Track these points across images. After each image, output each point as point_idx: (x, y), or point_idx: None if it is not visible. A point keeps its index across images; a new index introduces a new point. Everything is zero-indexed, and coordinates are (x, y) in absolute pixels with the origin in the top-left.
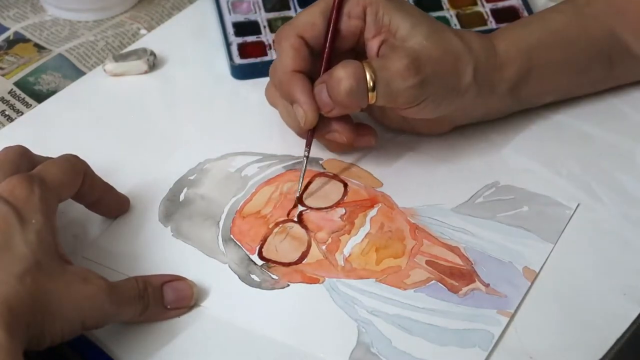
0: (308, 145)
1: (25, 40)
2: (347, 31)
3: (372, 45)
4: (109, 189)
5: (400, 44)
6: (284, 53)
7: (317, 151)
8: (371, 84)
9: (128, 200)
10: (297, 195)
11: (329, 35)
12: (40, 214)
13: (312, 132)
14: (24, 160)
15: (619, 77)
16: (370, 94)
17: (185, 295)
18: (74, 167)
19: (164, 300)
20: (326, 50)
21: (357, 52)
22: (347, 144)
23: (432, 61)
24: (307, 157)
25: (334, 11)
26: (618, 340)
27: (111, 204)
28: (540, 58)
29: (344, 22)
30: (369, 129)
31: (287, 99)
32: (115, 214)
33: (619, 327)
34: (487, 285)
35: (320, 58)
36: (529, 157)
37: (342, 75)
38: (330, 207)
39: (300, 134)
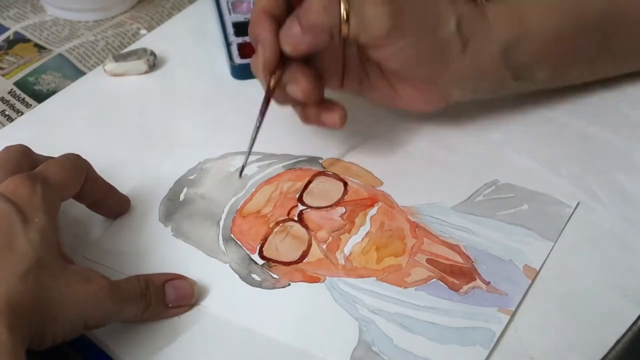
0: (262, 114)
1: (25, 40)
2: None
3: None
4: (110, 189)
5: None
6: None
7: (317, 150)
8: (345, 14)
9: (129, 201)
10: (240, 169)
11: None
12: (43, 213)
13: (266, 100)
14: (25, 160)
15: (616, 54)
16: (343, 26)
17: (187, 294)
18: (77, 166)
19: (165, 298)
20: None
21: None
22: (306, 99)
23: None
24: (259, 126)
25: None
26: (618, 340)
27: (112, 204)
28: (531, 23)
29: None
30: (337, 106)
31: (253, 39)
32: (115, 214)
33: (619, 327)
34: (487, 284)
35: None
36: (529, 157)
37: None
38: (331, 206)
39: (265, 83)
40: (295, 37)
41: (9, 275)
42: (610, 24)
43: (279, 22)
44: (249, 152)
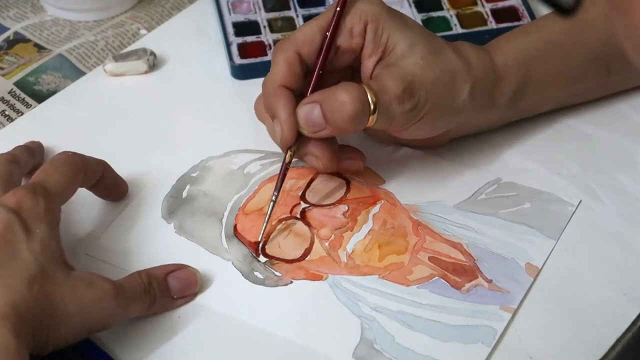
0: (277, 190)
1: (25, 40)
2: (347, 49)
3: (368, 65)
4: (106, 168)
5: (395, 63)
6: (277, 66)
7: None
8: (372, 107)
9: (126, 184)
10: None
11: (322, 55)
12: (44, 224)
13: (289, 159)
14: (14, 168)
15: (616, 84)
16: (370, 117)
17: (190, 283)
18: (74, 167)
19: (169, 290)
20: (317, 68)
21: (353, 69)
22: (324, 171)
23: (426, 82)
24: (277, 196)
25: (330, 33)
26: (618, 340)
27: (109, 183)
28: (538, 69)
29: (345, 39)
30: (356, 152)
31: (270, 113)
32: (113, 195)
33: (619, 327)
34: (489, 282)
35: (312, 75)
36: (529, 157)
37: (347, 99)
38: (333, 204)
39: (284, 150)
40: (317, 126)
41: (15, 283)
42: (614, 52)
43: (295, 93)
44: (266, 223)
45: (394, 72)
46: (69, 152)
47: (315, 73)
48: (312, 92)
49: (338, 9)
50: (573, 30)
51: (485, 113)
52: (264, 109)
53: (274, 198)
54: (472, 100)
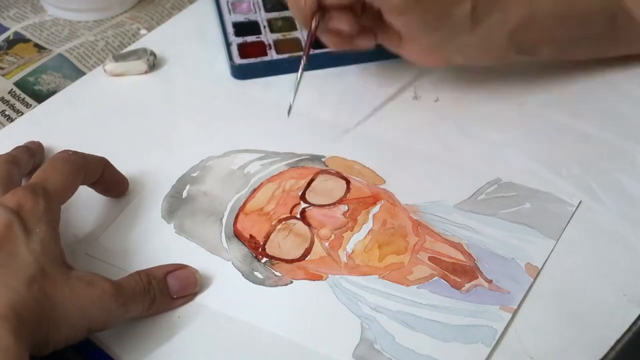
0: (308, 43)
1: (25, 40)
2: None
3: None
4: (106, 165)
5: None
6: None
7: (320, 148)
8: None
9: (126, 180)
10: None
11: None
12: (44, 224)
13: (310, 41)
14: (14, 168)
15: (620, 41)
16: None
17: (190, 283)
18: (74, 166)
19: (169, 290)
20: None
21: None
22: (349, 33)
23: None
24: (304, 66)
25: None
26: (618, 340)
27: (109, 180)
28: (542, 5)
29: None
30: (369, 30)
31: None
32: (114, 191)
33: (619, 327)
34: (489, 282)
35: None
36: (529, 157)
37: None
38: (333, 204)
39: (305, 23)
40: None
41: (14, 283)
42: (619, 6)
43: None
44: (296, 91)
45: None
46: (69, 151)
47: None
48: None
49: None
50: None
51: (484, 37)
52: None
53: (303, 64)
54: (472, 19)
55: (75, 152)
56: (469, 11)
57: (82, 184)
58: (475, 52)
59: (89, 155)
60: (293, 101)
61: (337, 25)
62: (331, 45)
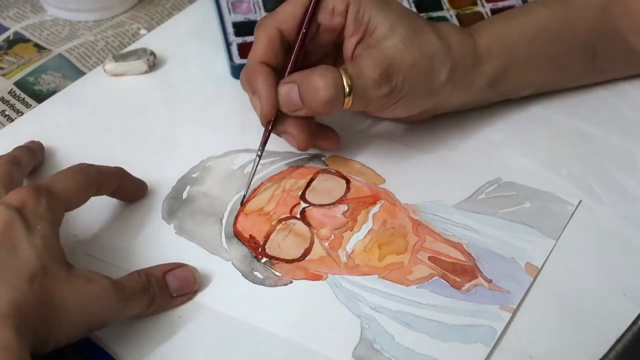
0: (262, 145)
1: (25, 40)
2: (328, 27)
3: (349, 45)
4: (124, 177)
5: (376, 44)
6: (258, 42)
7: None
8: (347, 91)
9: (145, 184)
10: (243, 196)
11: (301, 33)
12: (45, 221)
13: (267, 132)
14: (15, 169)
15: (602, 72)
16: (345, 100)
17: (189, 281)
18: (86, 177)
19: (168, 289)
20: (297, 46)
21: (338, 46)
22: (299, 149)
23: (405, 66)
24: (260, 156)
25: (310, 11)
26: (618, 340)
27: (128, 190)
28: (521, 53)
29: (326, 18)
30: (332, 133)
31: (250, 88)
32: (134, 199)
33: (619, 327)
34: (489, 281)
35: (292, 52)
36: (529, 157)
37: (321, 85)
38: (333, 203)
39: (262, 123)
40: (294, 107)
41: (16, 281)
42: (601, 40)
43: (275, 70)
44: (249, 185)
45: (373, 55)
46: (85, 163)
47: (295, 50)
48: (293, 69)
49: None
50: (561, 15)
51: (464, 94)
52: (247, 83)
53: (259, 153)
54: (450, 82)
55: (91, 166)
56: (446, 79)
57: (99, 195)
58: (458, 104)
59: (105, 168)
60: (246, 191)
61: (290, 130)
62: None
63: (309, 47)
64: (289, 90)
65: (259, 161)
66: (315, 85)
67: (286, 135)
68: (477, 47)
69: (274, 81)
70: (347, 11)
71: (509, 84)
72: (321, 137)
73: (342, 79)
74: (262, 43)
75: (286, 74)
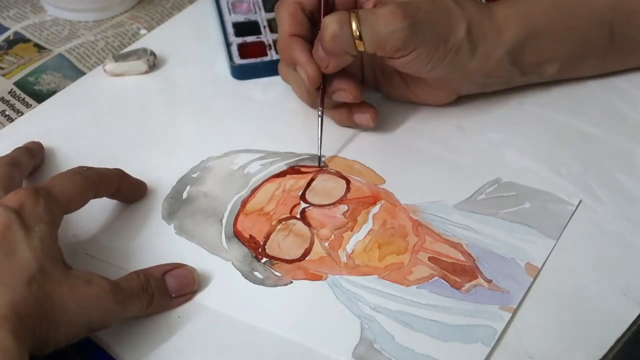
0: (321, 105)
1: (25, 40)
2: None
3: (367, 4)
4: (123, 179)
5: (391, 1)
6: (281, 19)
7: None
8: (357, 32)
9: (145, 185)
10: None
11: (322, 2)
12: (44, 223)
13: (322, 94)
14: (15, 170)
15: (622, 52)
16: (357, 42)
17: (188, 281)
18: (86, 180)
19: (167, 289)
20: (321, 13)
21: None
22: (354, 100)
23: (422, 9)
24: (322, 116)
25: None
26: (618, 340)
27: (128, 192)
28: (539, 23)
29: None
30: (370, 106)
31: (289, 62)
32: (134, 199)
33: (619, 327)
34: (489, 282)
35: (317, 22)
36: (529, 157)
37: (328, 21)
38: (333, 204)
39: (313, 102)
40: (322, 60)
41: (14, 282)
42: (618, 18)
43: (307, 40)
44: (320, 145)
45: (388, 4)
46: (85, 166)
47: (322, 17)
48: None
49: None
50: None
51: (484, 61)
52: (284, 61)
53: (320, 113)
54: (469, 42)
55: (90, 168)
56: (464, 35)
57: (99, 197)
58: (480, 77)
59: (104, 170)
60: (320, 152)
61: (340, 86)
62: (337, 122)
63: None
64: (316, 48)
65: (321, 122)
66: (324, 24)
67: (337, 93)
68: (494, 16)
69: (310, 48)
70: None
71: (529, 57)
72: (357, 111)
73: (349, 16)
74: (286, 19)
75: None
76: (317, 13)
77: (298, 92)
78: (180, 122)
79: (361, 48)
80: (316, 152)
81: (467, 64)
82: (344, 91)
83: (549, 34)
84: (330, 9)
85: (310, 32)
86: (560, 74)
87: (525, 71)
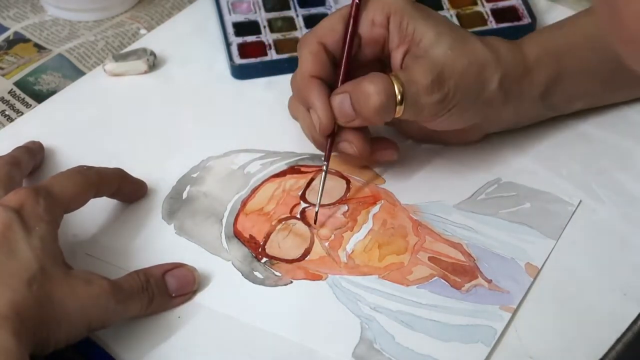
0: (327, 158)
1: (25, 40)
2: (370, 39)
3: (396, 56)
4: (123, 178)
5: (424, 54)
6: (303, 59)
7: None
8: (399, 98)
9: (145, 184)
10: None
11: (347, 42)
12: (44, 222)
13: (330, 144)
14: (15, 169)
15: None
16: (397, 108)
17: (188, 281)
18: (85, 179)
19: (167, 289)
20: (344, 56)
21: (382, 62)
22: (359, 157)
23: (456, 73)
24: (326, 170)
25: (351, 17)
26: (618, 340)
27: (128, 192)
28: (570, 62)
29: (366, 29)
30: (389, 142)
31: (304, 104)
32: (134, 199)
33: (619, 327)
34: (489, 282)
35: (339, 64)
36: (529, 157)
37: (372, 90)
38: (333, 203)
39: (319, 145)
40: (348, 116)
41: (14, 282)
42: None
43: (328, 84)
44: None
45: (422, 63)
46: (85, 165)
47: (344, 61)
48: (343, 81)
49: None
50: None
51: (516, 105)
52: (297, 103)
53: (324, 167)
54: (501, 91)
55: (90, 168)
56: (497, 87)
57: (99, 196)
58: (510, 120)
59: (104, 170)
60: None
61: (347, 137)
62: (350, 164)
63: (354, 63)
64: (341, 101)
65: (325, 176)
66: (366, 91)
67: (343, 144)
68: (526, 58)
69: (327, 94)
70: (387, 22)
71: (561, 96)
72: (379, 149)
73: (394, 84)
74: (308, 58)
75: (339, 84)
76: (340, 55)
77: (306, 131)
78: (180, 122)
79: (399, 115)
80: (317, 151)
81: (499, 112)
82: (349, 143)
83: (579, 72)
84: (354, 49)
85: (331, 74)
86: (587, 106)
87: (554, 108)
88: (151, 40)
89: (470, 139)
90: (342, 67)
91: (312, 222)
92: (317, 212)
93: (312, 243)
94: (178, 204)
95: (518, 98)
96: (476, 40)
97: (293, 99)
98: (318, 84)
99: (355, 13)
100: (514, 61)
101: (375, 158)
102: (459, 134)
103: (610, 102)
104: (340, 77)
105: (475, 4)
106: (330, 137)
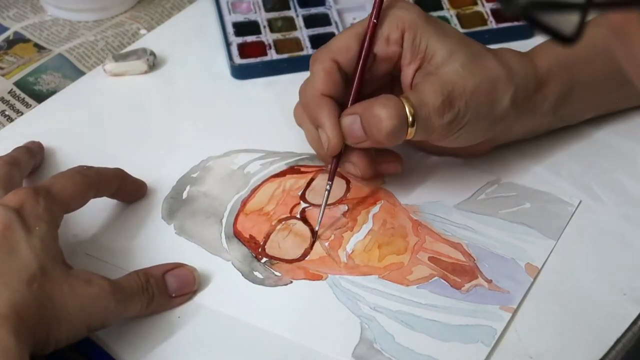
0: (331, 179)
1: (25, 40)
2: (384, 56)
3: (407, 73)
4: (123, 178)
5: (435, 71)
6: (315, 75)
7: None
8: (410, 121)
9: (145, 184)
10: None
11: (361, 62)
12: (44, 222)
13: (336, 162)
14: (15, 170)
15: None
16: (409, 129)
17: (188, 281)
18: (85, 179)
19: (167, 289)
20: (357, 76)
21: (393, 76)
22: (362, 179)
23: (467, 92)
24: (329, 190)
25: (367, 37)
26: (618, 340)
27: (128, 192)
28: (582, 74)
29: (382, 47)
30: (394, 155)
31: (313, 122)
32: (134, 199)
33: (619, 327)
34: (489, 282)
35: (351, 83)
36: (529, 157)
37: (384, 115)
38: (333, 204)
39: (323, 158)
40: (358, 139)
41: (16, 283)
42: None
43: (339, 102)
44: (322, 213)
45: (433, 82)
46: (85, 165)
47: (356, 82)
48: (354, 101)
49: (374, 20)
50: None
51: (528, 119)
52: (307, 117)
53: (328, 187)
54: (514, 107)
55: (90, 168)
56: (509, 104)
57: (99, 196)
58: (521, 131)
59: (104, 170)
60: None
61: (351, 159)
62: (352, 179)
63: (365, 78)
64: (352, 122)
65: (328, 195)
66: (378, 115)
67: (346, 165)
68: (537, 71)
69: (338, 113)
70: (402, 39)
71: (572, 107)
72: (384, 162)
73: (405, 108)
74: (320, 75)
75: (349, 104)
76: (352, 72)
77: (310, 142)
78: (180, 122)
79: (410, 137)
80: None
81: (511, 127)
82: (354, 165)
83: (590, 83)
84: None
85: (343, 93)
86: (600, 114)
87: (565, 120)
88: (151, 40)
89: (480, 151)
90: (354, 87)
91: (312, 222)
92: (317, 231)
93: (312, 243)
94: (178, 204)
95: (530, 113)
96: (489, 56)
97: (300, 107)
98: (329, 103)
99: (372, 33)
100: (526, 76)
101: (379, 170)
102: (468, 148)
103: (620, 109)
104: (352, 96)
105: (475, 4)
106: (336, 158)
